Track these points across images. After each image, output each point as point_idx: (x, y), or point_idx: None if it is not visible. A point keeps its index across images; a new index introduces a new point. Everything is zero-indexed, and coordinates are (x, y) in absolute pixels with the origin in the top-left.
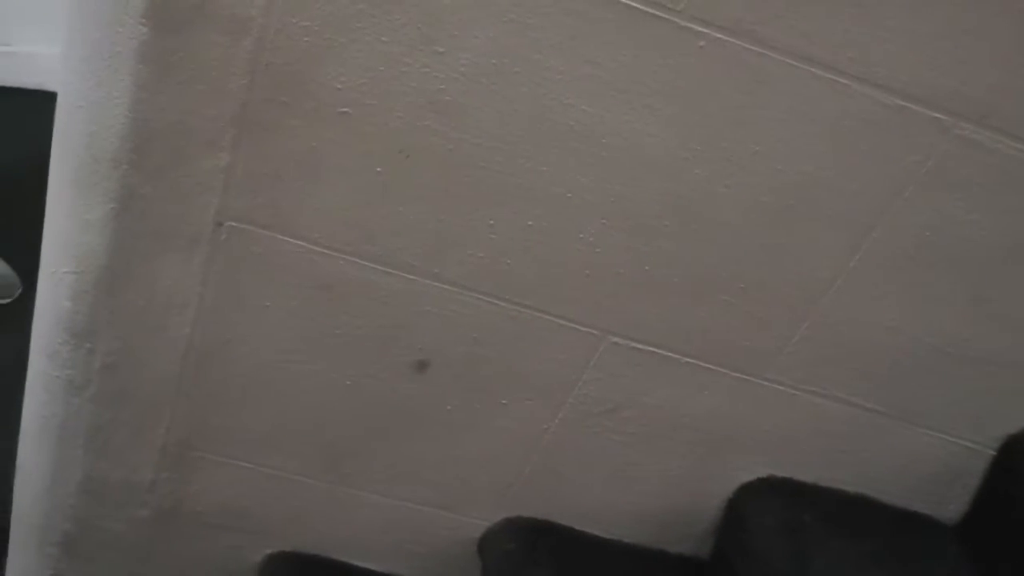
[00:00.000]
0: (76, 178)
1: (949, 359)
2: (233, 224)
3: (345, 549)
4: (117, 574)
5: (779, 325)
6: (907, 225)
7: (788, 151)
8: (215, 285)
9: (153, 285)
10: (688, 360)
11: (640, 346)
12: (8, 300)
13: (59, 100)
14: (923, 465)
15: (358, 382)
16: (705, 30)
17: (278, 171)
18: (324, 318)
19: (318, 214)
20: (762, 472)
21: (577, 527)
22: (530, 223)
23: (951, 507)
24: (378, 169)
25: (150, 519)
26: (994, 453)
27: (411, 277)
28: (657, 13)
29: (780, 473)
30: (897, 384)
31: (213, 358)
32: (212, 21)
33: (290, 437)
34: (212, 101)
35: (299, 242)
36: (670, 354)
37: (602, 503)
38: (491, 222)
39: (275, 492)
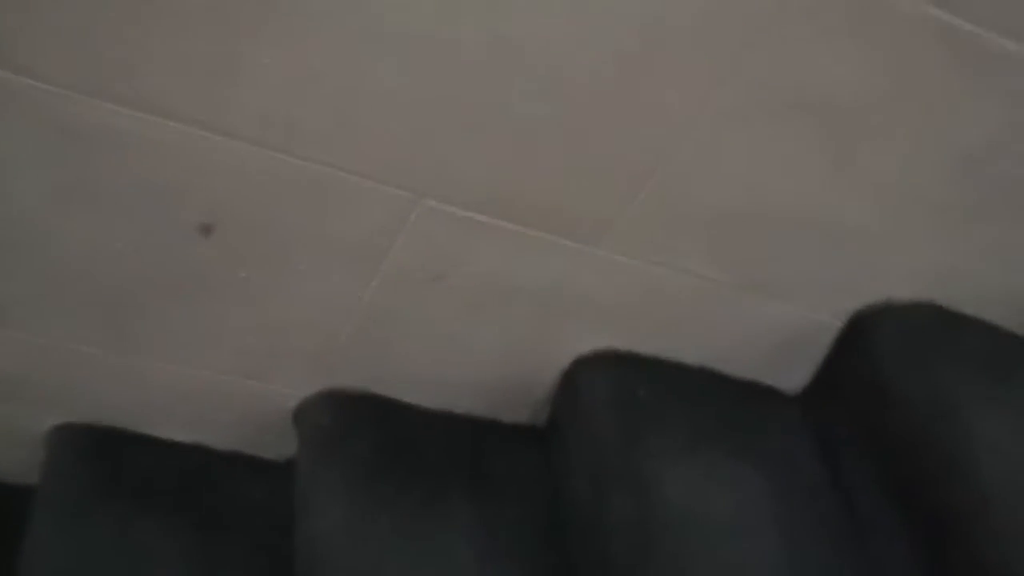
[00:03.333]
0: None
1: (803, 227)
2: None
3: (143, 420)
4: None
5: (616, 189)
6: (764, 74)
7: None
8: None
9: None
10: (516, 227)
11: (460, 211)
12: None
13: None
14: (769, 336)
15: (133, 245)
16: None
17: None
18: (80, 171)
19: (43, 43)
20: (601, 344)
21: (402, 398)
22: (315, 62)
23: (794, 378)
24: None
25: None
26: (841, 326)
27: (180, 126)
28: None
29: (620, 345)
30: (746, 252)
31: None
32: None
33: (62, 303)
34: None
35: (28, 80)
36: (496, 220)
37: (429, 373)
38: (264, 61)
39: (52, 362)
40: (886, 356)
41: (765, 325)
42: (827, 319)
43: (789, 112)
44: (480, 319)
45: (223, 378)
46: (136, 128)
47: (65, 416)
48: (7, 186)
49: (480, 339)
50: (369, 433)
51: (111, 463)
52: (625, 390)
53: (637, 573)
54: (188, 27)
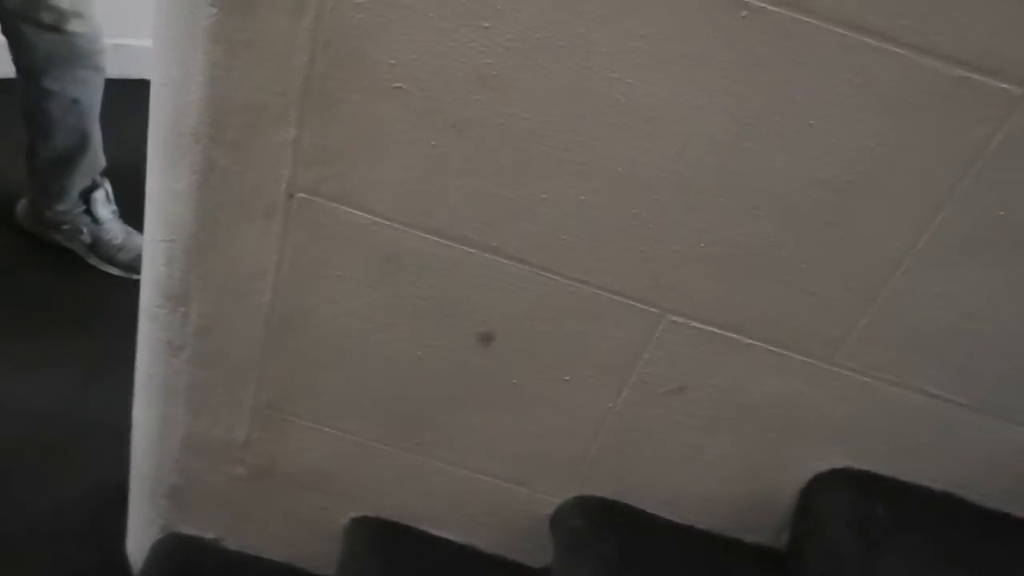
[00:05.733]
0: (165, 152)
1: None
2: (303, 196)
3: (424, 518)
4: (218, 526)
5: (845, 307)
6: (978, 204)
7: (845, 125)
8: (290, 255)
9: (235, 253)
10: (751, 342)
11: (700, 326)
12: None
13: (151, 81)
14: (1015, 462)
15: (427, 353)
16: None
17: (341, 144)
18: (392, 289)
19: (380, 187)
20: (838, 463)
21: (648, 509)
22: (583, 198)
23: None
24: (433, 143)
25: (246, 477)
26: None
27: (470, 250)
28: None
29: (857, 464)
30: (980, 374)
31: (292, 325)
32: (274, 1)
33: (367, 405)
34: (278, 77)
35: (363, 214)
36: (732, 335)
37: (672, 486)
38: (544, 196)
39: (357, 458)
40: None
41: (1010, 450)
42: None
43: (1007, 235)
44: (719, 433)
45: (491, 482)
46: (436, 251)
47: (362, 510)
48: (341, 302)
49: (719, 453)
50: (617, 539)
51: (395, 554)
52: (864, 509)
53: None
54: (485, 174)
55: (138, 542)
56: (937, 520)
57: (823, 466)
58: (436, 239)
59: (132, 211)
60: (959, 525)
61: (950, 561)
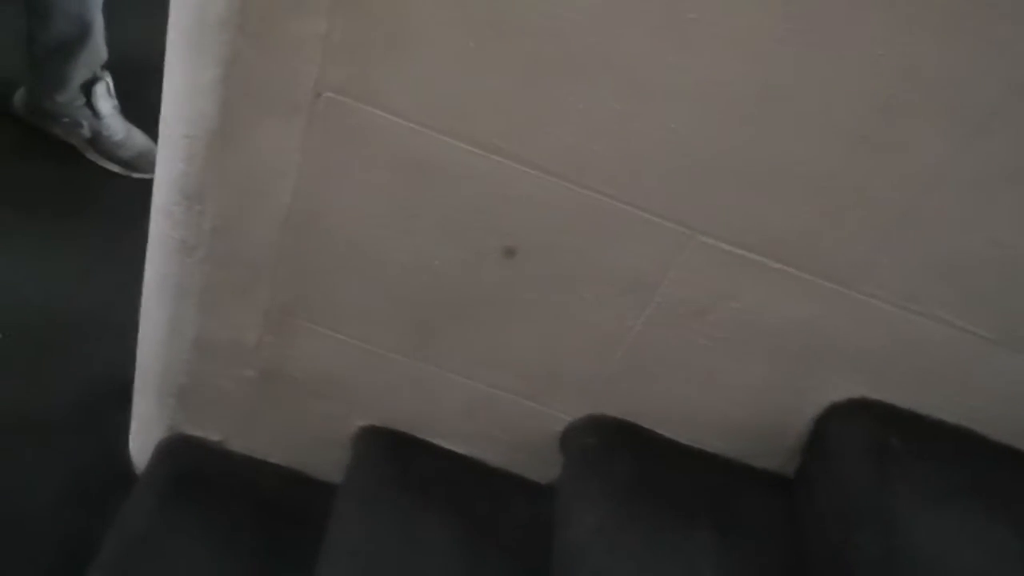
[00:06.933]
0: (188, 41)
1: None
2: (331, 95)
3: (433, 429)
4: (224, 429)
5: (875, 233)
6: (1010, 139)
7: (891, 36)
8: (313, 155)
9: (256, 151)
10: (779, 266)
11: (729, 247)
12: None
13: None
14: None
15: (447, 263)
16: None
17: (372, 42)
18: (415, 196)
19: (410, 89)
20: (855, 392)
21: (661, 431)
22: (618, 107)
23: None
24: (469, 44)
25: (255, 380)
26: None
27: (500, 159)
28: None
29: (874, 395)
30: (1007, 308)
31: (311, 228)
32: None
33: (382, 313)
34: None
35: (392, 116)
36: (761, 258)
37: (687, 409)
38: (580, 106)
39: (368, 366)
40: None
41: None
42: None
43: None
44: (737, 357)
45: (503, 396)
46: (464, 159)
47: (370, 419)
48: (362, 208)
49: (736, 378)
50: (629, 457)
51: (402, 463)
52: (879, 438)
53: None
54: (520, 79)
55: (141, 441)
56: (949, 453)
57: (840, 395)
58: (465, 146)
59: (133, 108)
60: (970, 459)
61: (961, 494)
